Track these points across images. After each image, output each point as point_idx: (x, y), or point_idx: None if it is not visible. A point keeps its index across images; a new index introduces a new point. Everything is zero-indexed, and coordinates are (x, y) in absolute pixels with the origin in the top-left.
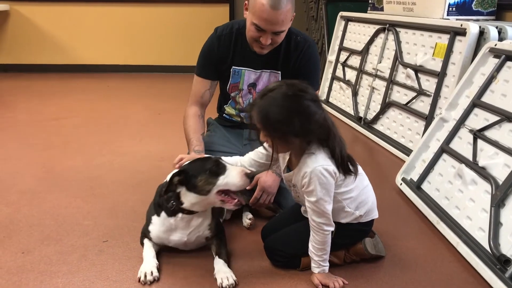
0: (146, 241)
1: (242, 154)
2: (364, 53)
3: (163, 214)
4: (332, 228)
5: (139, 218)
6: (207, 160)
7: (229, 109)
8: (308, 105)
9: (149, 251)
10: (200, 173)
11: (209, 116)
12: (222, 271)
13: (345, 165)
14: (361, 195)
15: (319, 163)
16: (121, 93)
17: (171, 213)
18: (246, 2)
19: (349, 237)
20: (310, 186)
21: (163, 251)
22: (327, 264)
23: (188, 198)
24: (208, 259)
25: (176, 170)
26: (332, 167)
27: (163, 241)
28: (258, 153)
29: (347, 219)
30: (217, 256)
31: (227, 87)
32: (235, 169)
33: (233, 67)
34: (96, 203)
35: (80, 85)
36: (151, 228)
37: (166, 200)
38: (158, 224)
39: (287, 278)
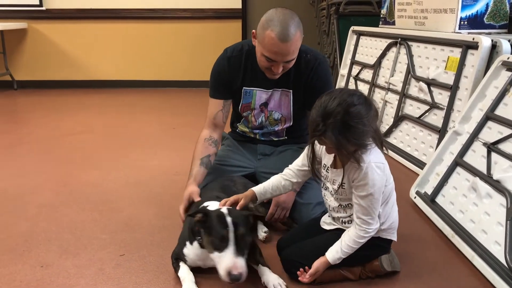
0: (182, 263)
1: (257, 169)
2: (376, 66)
3: (195, 243)
4: (377, 226)
5: (155, 232)
6: (220, 228)
7: (242, 127)
8: (364, 115)
9: (188, 275)
10: (209, 233)
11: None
12: (271, 278)
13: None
14: (391, 208)
15: (375, 159)
16: (136, 108)
17: (202, 246)
18: (254, 31)
19: (364, 250)
20: (364, 180)
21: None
22: (339, 261)
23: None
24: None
25: (203, 207)
26: (386, 165)
27: (198, 265)
28: (301, 161)
29: None
30: (260, 265)
31: (239, 107)
32: (228, 257)
33: (244, 87)
34: (112, 217)
35: (96, 101)
36: (186, 252)
37: (193, 233)
38: (192, 252)
39: None
